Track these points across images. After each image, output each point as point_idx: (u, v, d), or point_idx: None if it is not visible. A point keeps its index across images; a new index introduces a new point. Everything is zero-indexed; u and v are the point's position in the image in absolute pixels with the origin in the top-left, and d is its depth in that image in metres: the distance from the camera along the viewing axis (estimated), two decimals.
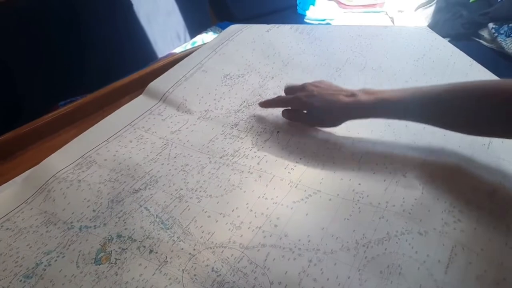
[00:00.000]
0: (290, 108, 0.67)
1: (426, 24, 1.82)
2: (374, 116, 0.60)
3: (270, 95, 0.74)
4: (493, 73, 0.77)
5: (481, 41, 1.54)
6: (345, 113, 0.61)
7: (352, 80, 0.77)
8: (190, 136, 0.65)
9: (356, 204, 0.52)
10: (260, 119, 0.67)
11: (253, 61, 0.82)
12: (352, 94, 0.60)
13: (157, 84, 0.75)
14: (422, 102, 0.56)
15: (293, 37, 0.91)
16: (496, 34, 1.46)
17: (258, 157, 0.60)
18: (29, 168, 0.60)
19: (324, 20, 2.22)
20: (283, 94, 0.70)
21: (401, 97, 0.57)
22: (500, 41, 1.44)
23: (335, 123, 0.62)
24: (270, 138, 0.63)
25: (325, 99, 0.61)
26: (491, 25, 1.49)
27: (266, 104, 0.69)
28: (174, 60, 0.82)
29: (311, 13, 2.22)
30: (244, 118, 0.68)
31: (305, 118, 0.65)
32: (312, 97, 0.62)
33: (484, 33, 1.53)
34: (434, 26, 1.69)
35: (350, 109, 0.59)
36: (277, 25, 0.95)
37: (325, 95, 0.61)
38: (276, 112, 0.69)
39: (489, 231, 0.48)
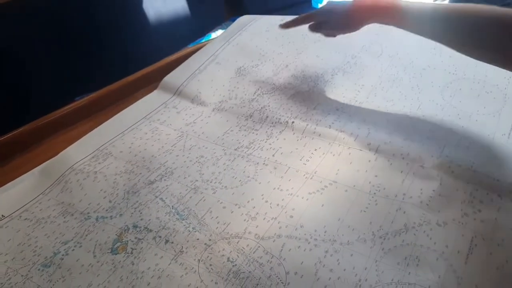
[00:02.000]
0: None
1: None
2: (391, 20, 0.61)
3: (284, 84, 0.73)
4: None
5: None
6: (364, 13, 0.63)
7: (369, 68, 0.76)
8: (205, 128, 0.65)
9: (372, 197, 0.51)
10: (274, 109, 0.67)
11: (267, 51, 0.82)
12: None
13: (171, 78, 0.75)
14: (438, 17, 0.56)
15: (307, 25, 0.90)
16: None
17: (273, 148, 0.60)
18: (45, 160, 0.60)
19: None
20: (296, 83, 0.70)
21: (419, 7, 0.57)
22: None
23: (356, 25, 0.65)
24: (285, 129, 0.63)
25: (344, 3, 0.64)
26: None
27: (288, 24, 0.71)
28: (188, 54, 0.82)
29: None
30: (258, 108, 0.68)
31: (328, 26, 0.67)
32: (331, 4, 0.66)
33: None
34: None
35: (368, 9, 0.62)
36: (291, 16, 0.94)
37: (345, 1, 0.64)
38: (290, 102, 0.68)
39: (510, 221, 0.47)
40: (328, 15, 0.67)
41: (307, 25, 0.89)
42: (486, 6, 0.52)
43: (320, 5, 0.69)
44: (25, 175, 0.58)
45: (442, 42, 0.58)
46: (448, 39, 0.57)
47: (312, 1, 2.27)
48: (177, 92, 0.73)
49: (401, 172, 0.54)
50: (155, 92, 0.74)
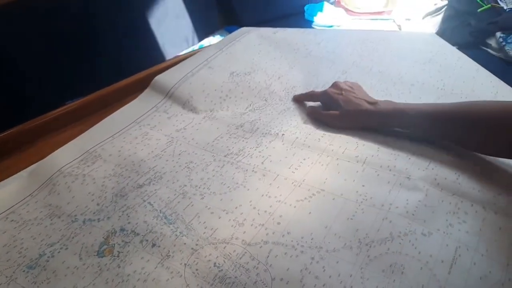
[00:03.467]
0: (315, 107, 0.72)
1: (434, 32, 1.82)
2: (390, 125, 0.64)
3: (276, 100, 0.74)
4: None
5: (488, 50, 1.54)
6: (364, 117, 0.64)
7: (359, 83, 0.77)
8: (195, 134, 0.65)
9: (359, 205, 0.52)
10: (265, 122, 0.68)
11: (260, 62, 0.83)
12: (375, 102, 0.64)
13: (163, 78, 0.75)
14: (437, 117, 0.58)
15: (299, 40, 0.91)
16: (503, 43, 1.46)
17: (263, 156, 0.60)
18: (35, 162, 0.60)
19: (331, 26, 2.23)
20: (287, 99, 0.72)
21: (418, 109, 0.59)
22: (508, 50, 1.44)
23: (355, 125, 0.65)
24: (275, 140, 0.63)
25: (349, 100, 0.65)
26: (498, 34, 1.49)
27: (299, 98, 0.75)
28: (180, 60, 0.83)
29: (319, 19, 2.23)
30: (249, 120, 0.68)
31: (328, 116, 0.67)
32: (339, 95, 0.67)
33: (492, 42, 1.53)
34: (442, 34, 1.69)
35: (368, 114, 0.63)
36: (284, 28, 0.95)
37: (350, 97, 0.66)
38: (281, 117, 0.69)
39: (495, 232, 0.47)
40: (334, 103, 0.67)
41: (299, 41, 0.91)
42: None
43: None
44: (13, 177, 0.58)
45: (443, 139, 0.61)
46: (454, 138, 0.59)
47: (305, 14, 2.31)
48: (169, 94, 0.73)
49: (388, 182, 0.55)
50: (146, 92, 0.74)
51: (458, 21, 1.69)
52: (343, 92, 0.67)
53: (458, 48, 0.86)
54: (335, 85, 0.70)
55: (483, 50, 1.55)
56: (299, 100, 0.75)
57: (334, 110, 0.67)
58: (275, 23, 1.51)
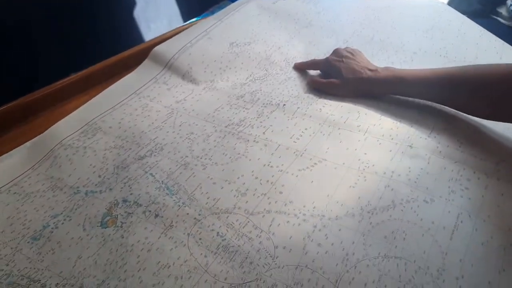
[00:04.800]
0: (315, 76, 0.71)
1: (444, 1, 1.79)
2: (390, 92, 0.63)
3: (276, 70, 0.73)
4: None
5: (498, 18, 1.50)
6: (364, 85, 0.63)
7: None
8: (196, 105, 0.65)
9: (361, 173, 0.52)
10: (266, 93, 0.67)
11: (259, 32, 0.81)
12: (375, 69, 0.63)
13: (162, 49, 0.74)
14: (438, 82, 0.57)
15: (299, 9, 0.89)
16: None
17: (264, 126, 0.60)
18: (40, 134, 0.60)
19: None
20: (288, 69, 0.71)
21: (418, 75, 0.59)
22: None
23: (355, 93, 0.65)
24: (276, 110, 0.63)
25: (350, 67, 0.65)
26: (509, 1, 1.46)
27: (300, 66, 0.73)
28: (179, 31, 0.81)
29: None
30: (250, 91, 0.68)
31: (329, 85, 0.66)
32: (340, 62, 0.66)
33: (502, 10, 1.50)
34: (450, 3, 1.66)
35: (369, 82, 0.62)
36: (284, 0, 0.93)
37: (352, 64, 0.65)
38: (282, 87, 0.68)
39: (497, 198, 0.48)
40: (335, 71, 0.67)
41: (299, 10, 0.89)
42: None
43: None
44: (16, 149, 0.58)
45: (444, 104, 0.61)
46: (453, 101, 0.59)
47: None
48: (168, 65, 0.72)
49: (390, 151, 0.55)
50: (145, 63, 0.73)
51: None
52: (343, 59, 0.66)
53: (467, 17, 0.84)
54: (336, 52, 0.69)
55: (493, 19, 1.52)
56: (300, 68, 0.74)
57: (334, 78, 0.66)
58: None
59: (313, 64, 0.72)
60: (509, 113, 0.53)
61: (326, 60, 0.69)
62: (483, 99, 0.54)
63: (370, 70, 0.63)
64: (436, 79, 0.58)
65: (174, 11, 1.80)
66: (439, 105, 0.61)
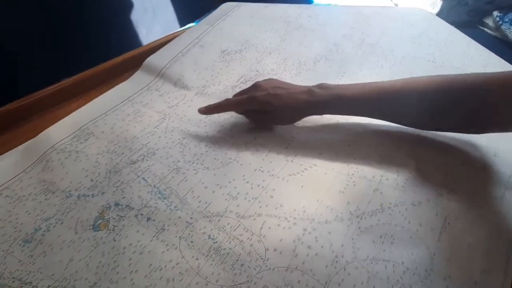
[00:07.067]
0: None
1: (433, 12, 1.82)
2: (331, 112, 0.59)
3: (267, 71, 0.74)
4: None
5: (485, 29, 1.54)
6: (303, 110, 0.59)
7: (350, 55, 0.78)
8: (188, 111, 0.65)
9: (351, 178, 0.53)
10: None
11: (251, 36, 0.82)
12: (309, 91, 0.57)
13: (154, 59, 0.75)
14: (378, 97, 0.55)
15: (291, 13, 0.91)
16: (500, 22, 1.45)
17: (255, 132, 0.61)
18: (31, 138, 0.60)
19: (329, 5, 2.21)
20: (278, 71, 0.70)
21: (356, 93, 0.56)
22: (504, 29, 1.44)
23: (293, 120, 0.61)
24: None
25: (282, 98, 0.58)
26: (495, 13, 1.49)
27: (211, 109, 0.61)
28: (172, 38, 0.82)
29: None
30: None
31: (261, 119, 0.61)
32: (269, 96, 0.58)
33: (489, 21, 1.53)
34: (439, 13, 1.69)
35: (308, 106, 0.58)
36: (275, 4, 0.95)
37: (282, 94, 0.58)
38: None
39: (484, 200, 0.49)
40: (267, 107, 0.58)
41: (290, 14, 0.89)
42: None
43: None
44: (8, 152, 0.58)
45: (390, 121, 0.59)
46: (395, 117, 0.58)
47: None
48: (160, 74, 0.73)
49: (379, 155, 0.56)
50: (137, 73, 0.74)
51: (455, 0, 1.69)
52: (270, 91, 0.58)
53: (455, 27, 0.86)
54: (257, 86, 0.60)
55: (479, 30, 1.55)
56: (212, 111, 0.62)
57: (268, 113, 0.59)
58: (274, 1, 1.49)
59: (233, 104, 0.61)
60: (447, 123, 0.54)
61: (252, 97, 0.59)
62: (416, 112, 0.54)
63: (303, 92, 0.58)
64: (374, 93, 0.55)
65: (171, 16, 1.81)
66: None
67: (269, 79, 0.62)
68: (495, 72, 0.49)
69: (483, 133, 0.55)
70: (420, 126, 0.57)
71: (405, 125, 0.58)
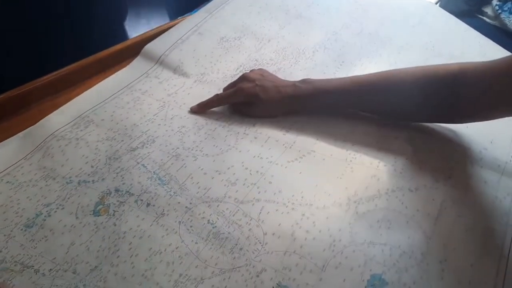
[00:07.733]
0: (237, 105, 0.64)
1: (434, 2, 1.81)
2: (315, 107, 0.61)
3: (266, 60, 0.74)
4: None
5: (484, 18, 1.53)
6: (287, 104, 0.61)
7: (349, 44, 0.78)
8: (187, 98, 0.65)
9: (348, 164, 0.53)
10: None
11: (250, 24, 0.83)
12: (293, 85, 0.60)
13: (153, 46, 0.75)
14: (357, 90, 0.57)
15: (290, 2, 0.91)
16: (499, 11, 1.44)
17: (254, 119, 0.61)
18: (31, 126, 0.60)
19: None
20: (277, 59, 0.71)
21: (337, 86, 0.58)
22: (504, 18, 1.43)
23: (277, 114, 0.62)
24: None
25: (268, 90, 0.60)
26: (495, 1, 1.48)
27: (203, 107, 0.63)
28: (171, 26, 0.82)
29: None
30: None
31: (246, 109, 0.62)
32: (255, 87, 0.60)
33: (488, 10, 1.52)
34: (438, 2, 1.68)
35: (292, 99, 0.60)
36: None
37: (268, 87, 0.60)
38: None
39: (480, 186, 0.49)
40: (254, 99, 0.61)
41: (289, 2, 0.89)
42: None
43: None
44: (6, 140, 0.58)
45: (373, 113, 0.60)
46: (376, 109, 0.59)
47: None
48: (159, 61, 0.73)
49: (377, 142, 0.56)
50: (136, 60, 0.74)
51: None
52: (256, 82, 0.61)
53: (454, 16, 0.86)
54: (244, 77, 0.63)
55: (479, 18, 1.54)
56: (204, 109, 0.63)
57: (254, 106, 0.61)
58: None
59: (222, 99, 0.63)
60: (431, 114, 0.55)
61: (240, 89, 0.61)
62: (398, 103, 0.56)
63: (288, 86, 0.60)
64: (354, 86, 0.57)
65: (165, 6, 1.80)
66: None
67: (259, 69, 0.65)
68: (469, 62, 0.51)
69: (466, 122, 0.56)
70: (403, 118, 0.58)
71: (387, 119, 0.59)
